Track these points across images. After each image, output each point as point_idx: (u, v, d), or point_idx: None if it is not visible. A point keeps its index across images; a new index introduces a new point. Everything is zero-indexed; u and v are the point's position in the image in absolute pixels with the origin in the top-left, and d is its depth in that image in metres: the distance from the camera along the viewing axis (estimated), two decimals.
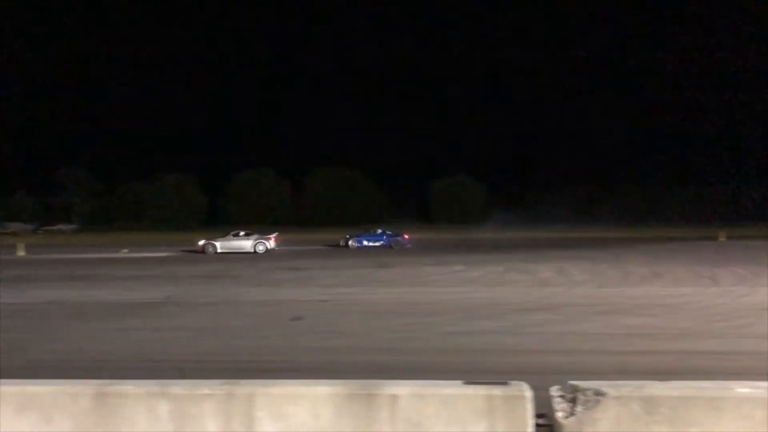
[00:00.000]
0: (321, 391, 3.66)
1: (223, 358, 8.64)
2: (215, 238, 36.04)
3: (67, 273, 23.76)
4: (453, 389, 3.61)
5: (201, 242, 35.60)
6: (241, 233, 36.88)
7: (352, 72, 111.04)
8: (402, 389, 3.62)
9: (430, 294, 15.43)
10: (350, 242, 38.49)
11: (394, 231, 41.19)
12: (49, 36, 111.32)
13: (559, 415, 3.57)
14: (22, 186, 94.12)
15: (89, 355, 8.92)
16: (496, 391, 3.57)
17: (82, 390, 3.67)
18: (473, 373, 7.33)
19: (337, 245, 39.69)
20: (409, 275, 20.34)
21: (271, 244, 35.66)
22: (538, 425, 3.55)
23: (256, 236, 36.15)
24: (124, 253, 38.44)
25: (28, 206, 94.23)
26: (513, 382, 3.64)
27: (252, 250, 34.84)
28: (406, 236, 39.18)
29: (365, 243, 38.26)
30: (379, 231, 39.84)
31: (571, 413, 3.55)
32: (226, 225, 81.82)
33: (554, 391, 3.68)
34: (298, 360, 8.58)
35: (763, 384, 3.51)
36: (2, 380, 3.85)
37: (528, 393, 3.56)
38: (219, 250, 34.97)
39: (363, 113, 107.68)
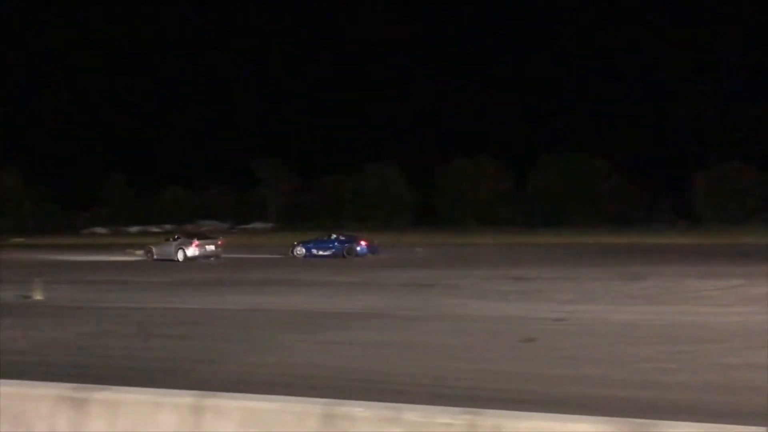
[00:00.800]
0: (583, 429, 3.48)
1: (441, 382, 8.71)
2: (158, 243, 37.78)
3: (264, 277, 25.71)
4: None
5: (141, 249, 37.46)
6: (176, 237, 37.95)
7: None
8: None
9: (698, 314, 14.42)
10: (297, 250, 38.23)
11: (348, 235, 39.70)
12: (253, 27, 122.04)
13: None
14: (216, 180, 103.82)
15: (297, 370, 9.47)
16: None
17: (309, 409, 3.83)
18: (763, 418, 6.63)
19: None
20: (669, 290, 19.18)
21: (192, 251, 35.96)
22: None
23: (180, 240, 37.02)
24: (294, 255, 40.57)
25: (222, 202, 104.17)
26: None
27: (176, 258, 35.53)
28: (364, 242, 37.99)
29: (314, 251, 37.72)
30: (333, 236, 38.73)
31: None
32: (435, 224, 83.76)
33: None
34: (534, 390, 8.38)
35: None
36: (223, 393, 4.15)
37: None
38: (155, 257, 36.35)
39: (604, 87, 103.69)
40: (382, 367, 9.64)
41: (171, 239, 38.71)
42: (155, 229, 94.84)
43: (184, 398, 4.06)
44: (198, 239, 38.14)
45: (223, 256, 37.83)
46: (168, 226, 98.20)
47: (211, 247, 37.69)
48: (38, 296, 18.25)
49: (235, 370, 9.45)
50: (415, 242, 54.82)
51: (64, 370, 9.19)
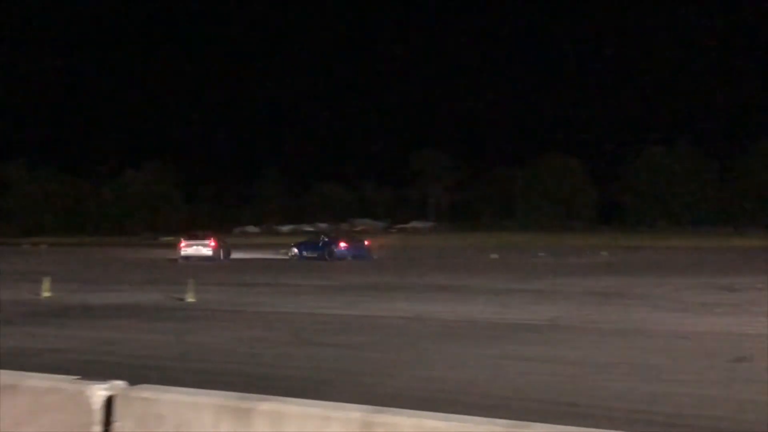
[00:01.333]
0: None
1: (635, 407, 8.43)
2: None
3: (429, 282, 25.96)
4: None
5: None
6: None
7: None
8: None
9: None
10: (291, 251, 41.82)
11: (333, 237, 42.74)
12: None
13: None
14: (372, 174, 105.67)
15: (469, 387, 9.46)
16: None
17: (490, 430, 3.79)
18: None
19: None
20: None
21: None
22: None
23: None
24: (492, 258, 40.69)
25: (379, 199, 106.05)
26: None
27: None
28: (343, 244, 40.66)
29: (304, 253, 40.75)
30: (321, 237, 42.31)
31: None
32: (621, 224, 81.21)
33: None
34: (747, 419, 7.93)
35: None
36: (396, 410, 4.18)
37: None
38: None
39: None
40: (565, 388, 9.44)
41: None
42: (308, 228, 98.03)
43: (354, 413, 4.11)
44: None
45: (376, 257, 38.58)
46: (321, 225, 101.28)
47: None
48: (191, 298, 19.30)
49: (401, 385, 9.55)
50: (598, 245, 53.51)
51: (220, 377, 9.65)
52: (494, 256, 42.65)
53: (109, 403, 4.35)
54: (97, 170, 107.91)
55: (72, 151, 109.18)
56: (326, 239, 41.99)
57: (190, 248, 40.92)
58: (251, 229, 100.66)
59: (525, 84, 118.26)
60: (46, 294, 20.71)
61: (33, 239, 79.60)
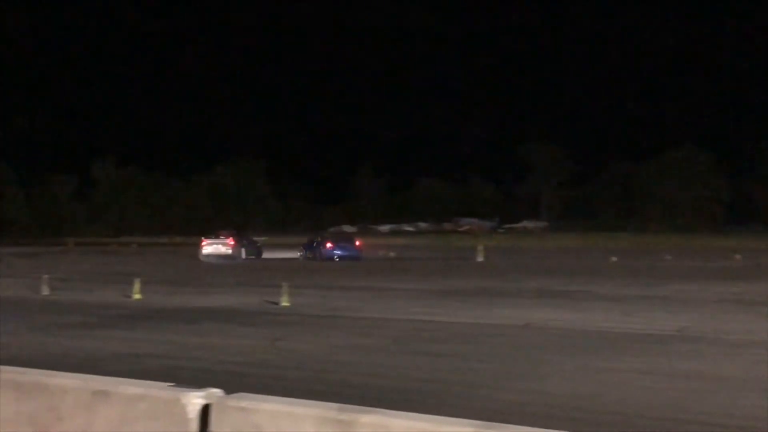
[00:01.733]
0: None
1: None
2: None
3: (539, 287, 25.70)
4: None
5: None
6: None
7: None
8: None
9: None
10: (299, 252, 45.31)
11: (324, 238, 46.26)
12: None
13: None
14: (480, 170, 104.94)
15: (587, 403, 9.32)
16: None
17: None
18: None
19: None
20: None
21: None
22: None
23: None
24: (611, 261, 40.08)
25: (487, 196, 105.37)
26: None
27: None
28: (329, 244, 43.95)
29: (306, 254, 44.69)
30: (318, 238, 45.92)
31: None
32: (756, 224, 78.54)
33: None
34: None
35: None
36: (511, 426, 4.15)
37: None
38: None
39: None
40: (692, 405, 9.20)
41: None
42: (408, 228, 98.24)
43: (465, 428, 4.09)
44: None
45: (488, 262, 38.33)
46: (422, 224, 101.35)
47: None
48: (285, 302, 19.62)
49: (511, 398, 9.48)
50: (731, 247, 51.96)
51: (317, 386, 9.77)
52: (614, 259, 41.90)
53: (204, 412, 4.45)
54: (186, 166, 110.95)
55: (160, 147, 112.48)
56: (320, 239, 46.09)
57: (210, 247, 43.71)
58: (347, 228, 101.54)
59: (646, 69, 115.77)
60: (136, 296, 21.38)
61: (122, 239, 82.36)
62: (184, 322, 16.87)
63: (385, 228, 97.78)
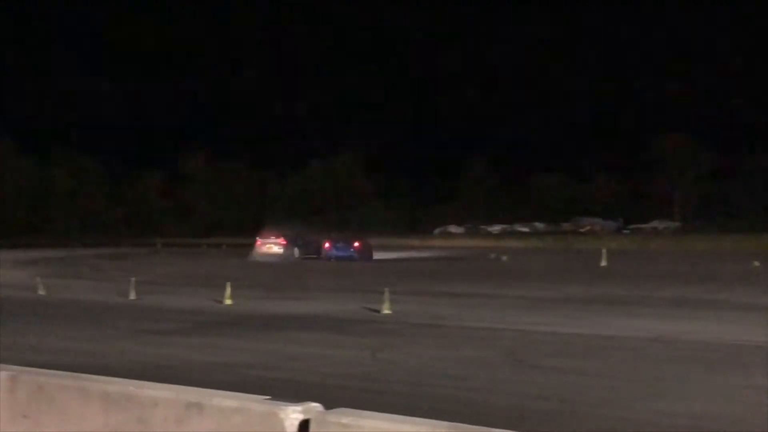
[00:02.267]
0: None
1: None
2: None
3: (671, 295, 25.19)
4: None
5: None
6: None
7: None
8: None
9: None
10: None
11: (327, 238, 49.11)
12: None
13: None
14: (603, 164, 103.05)
15: (729, 425, 9.12)
16: None
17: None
18: None
19: None
20: None
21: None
22: None
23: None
24: (754, 266, 39.06)
25: (612, 194, 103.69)
26: None
27: None
28: (327, 245, 47.38)
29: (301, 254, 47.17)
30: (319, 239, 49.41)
31: None
32: None
33: None
34: None
35: None
36: None
37: None
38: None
39: None
40: None
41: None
42: (522, 229, 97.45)
43: None
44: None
45: (611, 266, 37.73)
46: (538, 225, 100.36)
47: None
48: (386, 309, 19.73)
49: (638, 419, 9.35)
50: None
51: (423, 402, 9.80)
52: (756, 263, 40.74)
53: (303, 427, 4.52)
54: (280, 162, 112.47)
55: (253, 140, 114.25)
56: (320, 240, 49.23)
57: (263, 247, 46.62)
58: (454, 229, 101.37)
59: None
60: (227, 302, 21.82)
61: (211, 239, 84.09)
62: (279, 330, 17.13)
63: (495, 229, 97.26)
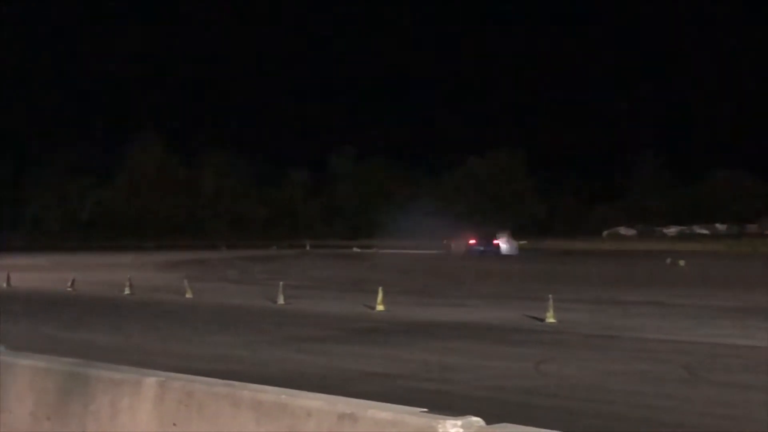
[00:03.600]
0: None
1: None
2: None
3: None
4: None
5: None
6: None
7: None
8: None
9: None
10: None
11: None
12: None
13: None
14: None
15: None
16: None
17: None
18: None
19: None
20: None
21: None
22: None
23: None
24: None
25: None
26: None
27: None
28: (472, 241, 52.79)
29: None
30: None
31: None
32: None
33: None
34: None
35: None
36: None
37: None
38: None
39: None
40: None
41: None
42: (701, 231, 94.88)
43: None
44: None
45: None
46: (719, 226, 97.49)
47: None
48: (550, 318, 19.58)
49: None
50: None
51: (589, 419, 9.70)
52: None
53: None
54: (435, 159, 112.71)
55: (405, 137, 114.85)
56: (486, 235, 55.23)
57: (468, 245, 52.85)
58: (625, 231, 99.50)
59: None
60: (379, 308, 22.07)
61: (361, 241, 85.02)
62: (435, 339, 17.21)
63: (671, 230, 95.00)
